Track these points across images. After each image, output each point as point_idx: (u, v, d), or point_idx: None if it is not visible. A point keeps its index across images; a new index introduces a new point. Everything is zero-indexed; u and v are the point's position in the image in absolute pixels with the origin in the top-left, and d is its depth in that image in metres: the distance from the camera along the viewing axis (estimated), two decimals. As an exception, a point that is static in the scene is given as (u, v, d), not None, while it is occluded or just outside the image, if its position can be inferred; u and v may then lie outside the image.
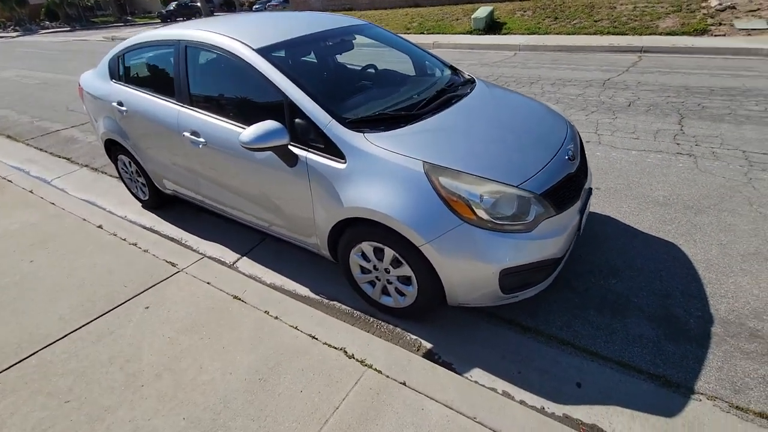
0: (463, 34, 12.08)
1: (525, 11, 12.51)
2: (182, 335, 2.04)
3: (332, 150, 2.03)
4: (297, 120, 2.12)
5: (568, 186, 2.04)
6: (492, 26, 11.97)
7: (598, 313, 2.21)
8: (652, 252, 2.63)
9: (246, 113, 2.38)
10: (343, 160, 2.00)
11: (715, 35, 9.10)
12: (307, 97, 2.09)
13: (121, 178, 3.70)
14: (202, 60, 2.59)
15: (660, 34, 9.65)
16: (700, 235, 2.75)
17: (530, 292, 2.02)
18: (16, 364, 1.94)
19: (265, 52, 2.26)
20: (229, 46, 2.31)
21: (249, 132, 1.98)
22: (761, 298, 2.23)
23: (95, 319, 2.18)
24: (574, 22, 11.19)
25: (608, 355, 1.98)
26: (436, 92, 2.46)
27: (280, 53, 2.35)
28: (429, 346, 2.12)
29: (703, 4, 10.44)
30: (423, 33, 12.72)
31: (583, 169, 2.28)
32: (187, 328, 2.09)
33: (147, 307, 2.24)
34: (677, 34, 9.43)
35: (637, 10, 10.86)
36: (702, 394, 1.79)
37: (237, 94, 2.52)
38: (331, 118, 2.05)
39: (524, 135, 2.23)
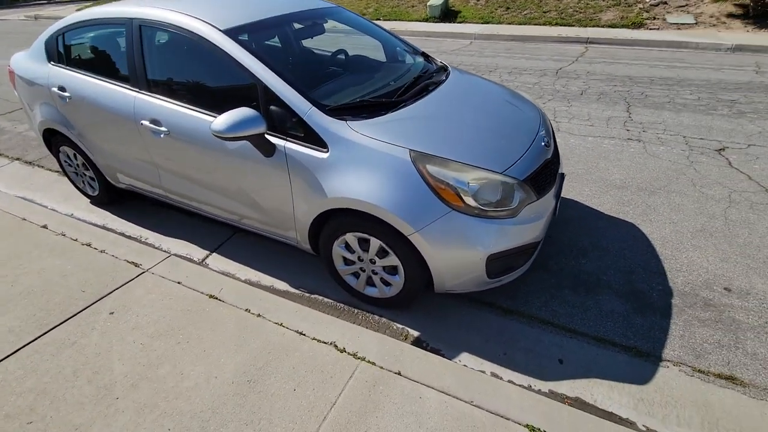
0: (419, 21, 12.09)
1: (478, 0, 12.73)
2: (156, 341, 1.90)
3: (313, 138, 1.95)
4: (273, 107, 2.01)
5: (545, 172, 2.11)
6: (447, 14, 12.07)
7: (573, 291, 2.34)
8: (615, 232, 2.81)
9: (214, 100, 2.22)
10: (325, 149, 1.93)
11: (650, 29, 9.79)
12: (284, 83, 1.98)
13: (64, 172, 3.34)
14: (160, 41, 2.36)
15: (602, 26, 10.22)
16: (655, 215, 2.97)
17: (513, 275, 2.08)
18: (-42, 386, 1.71)
19: (233, 33, 2.10)
20: (193, 26, 2.13)
21: (222, 120, 1.85)
22: (710, 270, 2.46)
23: (52, 329, 1.96)
24: (525, 12, 11.56)
25: (585, 331, 2.10)
26: (413, 79, 2.43)
27: (249, 35, 2.20)
28: (416, 334, 2.13)
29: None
30: (379, 19, 12.56)
31: (556, 155, 2.36)
32: (161, 332, 1.94)
33: (112, 313, 2.05)
34: (618, 27, 10.04)
35: (581, 3, 11.41)
36: (668, 360, 1.95)
37: (204, 80, 2.33)
38: (311, 105, 1.96)
39: (502, 122, 2.27)
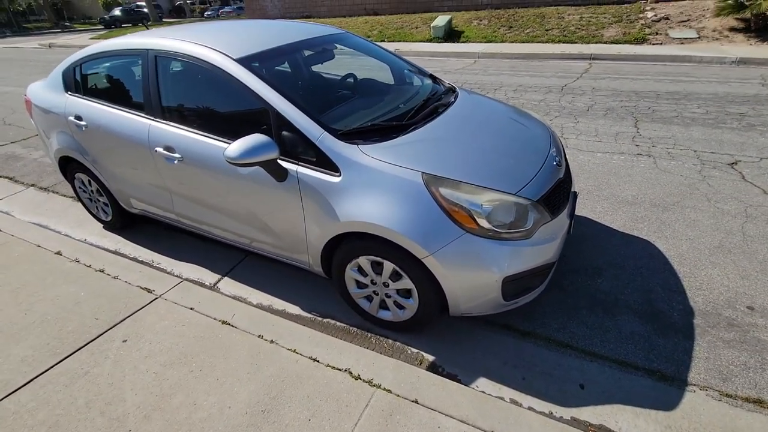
0: (423, 42, 12.33)
1: (481, 20, 12.98)
2: (169, 369, 1.88)
3: (325, 163, 1.96)
4: (285, 133, 2.03)
5: (559, 191, 2.10)
6: (451, 34, 12.31)
7: (590, 312, 2.28)
8: (630, 250, 2.76)
9: (227, 126, 2.26)
10: (337, 173, 1.94)
11: (653, 44, 9.88)
12: (296, 109, 2.01)
13: (78, 198, 3.39)
14: (174, 71, 2.42)
15: (605, 42, 10.34)
16: (670, 232, 2.92)
17: (529, 297, 2.04)
18: (-28, 418, 1.70)
19: (246, 62, 2.15)
20: (206, 56, 2.18)
21: (235, 146, 1.87)
22: (731, 288, 2.39)
23: (65, 358, 1.95)
24: (527, 30, 11.74)
25: (606, 354, 2.04)
26: (423, 101, 2.45)
27: (261, 63, 2.25)
28: (431, 358, 2.08)
29: (641, 15, 11.31)
30: (384, 41, 12.84)
31: (568, 174, 2.35)
32: (174, 360, 1.92)
33: (125, 341, 2.04)
34: (620, 43, 10.14)
35: (583, 20, 11.58)
36: (694, 385, 1.88)
37: (216, 107, 2.38)
38: (322, 130, 1.98)
39: (513, 142, 2.27)
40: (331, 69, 3.10)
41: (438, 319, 2.25)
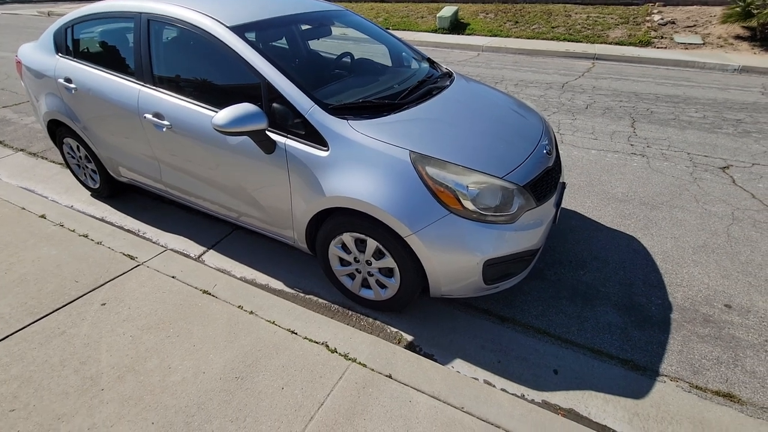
0: (428, 32, 12.21)
1: (487, 13, 12.86)
2: (146, 333, 1.88)
3: (314, 137, 1.95)
4: (275, 105, 2.01)
5: (546, 179, 2.10)
6: (456, 26, 12.19)
7: (571, 302, 2.30)
8: (615, 245, 2.78)
9: (217, 95, 2.23)
10: (325, 148, 1.93)
11: (658, 47, 9.85)
12: (288, 81, 1.99)
13: (66, 163, 3.35)
14: (167, 36, 2.38)
15: (610, 43, 10.29)
16: (656, 229, 2.94)
17: (510, 282, 2.05)
18: (-56, 370, 1.69)
19: (240, 30, 2.12)
20: (200, 22, 2.15)
21: (223, 114, 1.85)
22: (711, 286, 2.42)
23: (42, 318, 1.94)
24: (533, 27, 11.65)
25: (582, 342, 2.07)
26: (417, 83, 2.44)
27: (256, 33, 2.21)
28: (410, 338, 2.10)
29: (647, 18, 11.25)
30: (389, 29, 12.69)
31: (558, 164, 2.35)
32: (152, 325, 1.92)
33: (104, 304, 2.04)
34: (625, 44, 10.10)
35: (590, 20, 11.50)
36: (666, 375, 1.91)
37: (207, 75, 2.35)
38: (313, 103, 1.97)
39: (504, 128, 2.26)
40: (331, 50, 3.06)
41: (419, 301, 2.27)
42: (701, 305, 2.28)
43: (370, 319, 2.20)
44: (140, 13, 2.38)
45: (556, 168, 2.28)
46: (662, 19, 10.96)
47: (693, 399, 1.80)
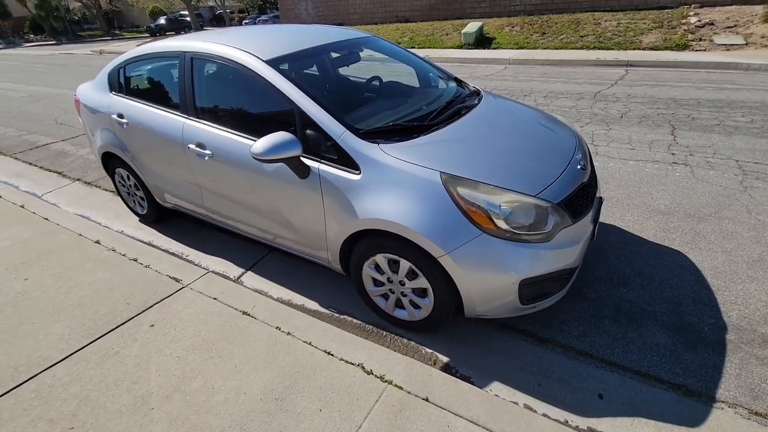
0: (454, 48, 12.32)
1: (513, 27, 12.84)
2: (191, 354, 1.96)
3: (346, 161, 2.01)
4: (309, 131, 2.10)
5: (582, 195, 2.05)
6: (481, 41, 12.24)
7: (614, 322, 2.21)
8: (660, 260, 2.65)
9: (255, 125, 2.35)
10: (357, 171, 1.98)
11: (696, 50, 9.45)
12: (320, 108, 2.08)
13: (117, 191, 3.60)
14: (208, 72, 2.55)
15: (644, 49, 9.98)
16: (705, 243, 2.78)
17: (548, 302, 2.00)
18: (13, 389, 1.83)
19: (275, 63, 2.24)
20: (238, 58, 2.29)
21: (261, 143, 1.95)
22: (770, 304, 2.25)
23: (98, 339, 2.08)
24: (561, 37, 11.51)
25: (627, 365, 1.97)
26: (446, 103, 2.47)
27: (289, 64, 2.33)
28: (446, 359, 2.07)
29: (683, 21, 10.86)
30: (414, 47, 12.92)
31: (593, 179, 2.29)
32: (196, 346, 2.01)
33: (152, 325, 2.15)
34: (660, 49, 9.77)
35: (620, 26, 11.24)
36: (723, 401, 1.78)
37: (245, 106, 2.49)
38: (344, 128, 2.04)
39: (536, 145, 2.24)
40: (360, 72, 3.16)
41: (454, 321, 2.24)
42: (760, 324, 2.13)
43: (405, 340, 2.20)
44: (185, 52, 2.57)
45: (592, 183, 2.23)
46: (699, 21, 10.54)
47: (753, 426, 1.66)
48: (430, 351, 2.12)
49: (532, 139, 2.30)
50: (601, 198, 2.35)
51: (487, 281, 1.83)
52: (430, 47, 12.80)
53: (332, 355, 1.92)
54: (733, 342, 2.05)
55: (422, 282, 1.98)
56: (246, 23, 37.86)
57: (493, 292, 1.86)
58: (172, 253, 3.04)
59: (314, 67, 2.94)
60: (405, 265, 1.99)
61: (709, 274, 2.50)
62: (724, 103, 5.72)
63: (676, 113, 5.40)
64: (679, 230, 2.94)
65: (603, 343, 2.09)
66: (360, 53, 2.91)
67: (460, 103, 2.53)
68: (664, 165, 3.93)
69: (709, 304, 2.28)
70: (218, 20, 45.10)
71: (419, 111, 2.40)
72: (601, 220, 3.12)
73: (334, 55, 2.92)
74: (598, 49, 10.41)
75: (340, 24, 18.27)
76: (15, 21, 35.34)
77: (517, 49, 11.40)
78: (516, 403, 1.81)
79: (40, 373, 1.89)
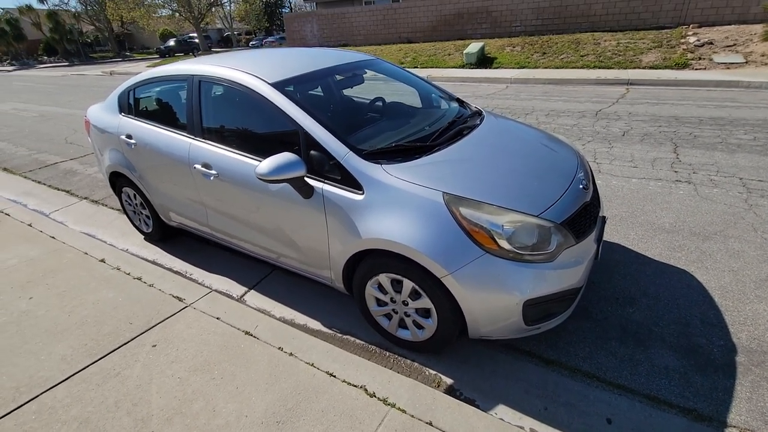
0: (456, 68, 12.54)
1: (514, 47, 13.08)
2: (193, 375, 1.95)
3: (349, 181, 2.03)
4: (313, 152, 2.13)
5: (585, 215, 2.05)
6: (483, 61, 12.46)
7: (620, 343, 2.17)
8: (666, 279, 2.62)
9: (260, 146, 2.39)
10: (360, 192, 2.00)
11: (696, 69, 9.56)
12: (324, 129, 2.11)
13: (124, 210, 3.65)
14: (215, 94, 2.61)
15: (644, 68, 10.11)
16: (711, 262, 2.75)
17: (553, 322, 1.98)
18: (14, 410, 1.82)
19: (280, 86, 2.29)
20: (245, 81, 2.35)
21: (266, 164, 1.98)
22: (781, 325, 2.21)
23: (99, 359, 2.07)
24: (562, 56, 11.70)
25: (636, 388, 1.93)
26: (448, 124, 2.50)
27: (294, 87, 2.38)
28: (449, 381, 2.04)
29: (682, 41, 11.02)
30: (416, 67, 13.17)
31: (596, 198, 2.30)
32: (198, 367, 1.99)
33: (154, 346, 2.14)
34: (660, 68, 9.89)
35: (620, 46, 11.42)
36: (735, 426, 1.73)
37: (251, 128, 2.54)
38: (348, 149, 2.06)
39: (538, 164, 2.25)
40: (364, 93, 3.22)
41: (458, 342, 2.22)
42: (771, 347, 2.09)
43: (408, 361, 2.17)
44: (193, 75, 2.64)
45: (595, 202, 2.23)
46: (698, 40, 10.70)
47: (771, 456, 1.61)
48: (434, 372, 2.09)
49: (534, 159, 2.32)
50: (604, 217, 2.35)
51: (491, 302, 1.82)
52: (432, 67, 13.03)
53: (335, 376, 1.90)
54: (744, 364, 2.00)
55: (425, 302, 1.97)
56: (253, 45, 38.87)
57: (497, 313, 1.84)
58: (176, 272, 3.05)
59: (319, 89, 3.01)
60: (408, 285, 1.98)
61: (716, 294, 2.47)
62: (726, 120, 5.75)
63: (678, 131, 5.43)
64: (684, 249, 2.92)
65: (610, 365, 2.05)
66: (363, 75, 2.97)
67: (462, 123, 2.57)
68: (668, 183, 3.93)
69: (717, 325, 2.25)
70: (226, 42, 46.34)
71: (422, 131, 2.43)
72: (605, 238, 3.10)
73: (339, 77, 2.99)
74: (599, 68, 10.55)
75: (344, 45, 18.70)
76: (29, 43, 36.48)
77: (518, 68, 11.59)
78: (522, 428, 1.77)
79: (41, 394, 1.88)
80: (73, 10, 38.41)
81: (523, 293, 1.80)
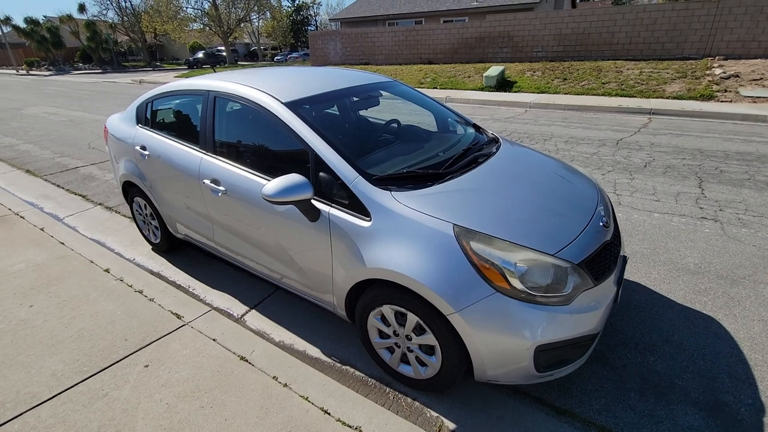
0: (475, 90, 12.55)
1: (534, 72, 13.06)
2: (182, 402, 1.86)
3: (357, 207, 1.96)
4: (322, 174, 2.07)
5: (604, 255, 1.93)
6: (503, 84, 12.45)
7: (640, 395, 2.00)
8: (690, 326, 2.45)
9: (270, 165, 2.35)
10: (368, 218, 1.92)
11: (722, 101, 9.33)
12: (334, 152, 2.06)
13: (134, 219, 3.65)
14: (229, 111, 2.60)
15: (667, 97, 9.93)
16: (740, 309, 2.57)
17: (566, 370, 1.83)
18: (-3, 427, 1.76)
19: (293, 106, 2.26)
20: (259, 99, 2.33)
21: (273, 185, 1.93)
22: (820, 386, 2.02)
23: (89, 377, 2.01)
24: (583, 83, 11.61)
25: (657, 449, 1.76)
26: (463, 151, 2.43)
27: (308, 107, 2.35)
28: (452, 426, 1.90)
29: (707, 72, 10.82)
30: (436, 88, 13.24)
31: (617, 236, 2.17)
32: (188, 393, 1.91)
33: (147, 366, 2.07)
34: (684, 99, 9.69)
35: (643, 75, 11.28)
36: (771, 505, 1.55)
37: (262, 146, 2.51)
38: (357, 174, 2.00)
39: (556, 198, 2.14)
40: (381, 113, 3.18)
41: (463, 381, 2.09)
42: (809, 411, 1.89)
43: (409, 399, 2.05)
44: (209, 91, 2.64)
45: (615, 241, 2.10)
46: (724, 72, 10.49)
47: None
48: (436, 415, 1.95)
49: (551, 191, 2.21)
50: (625, 257, 2.21)
51: (500, 344, 1.70)
52: (452, 88, 13.08)
53: (329, 414, 1.79)
54: (779, 430, 1.82)
55: (430, 339, 1.86)
56: (278, 59, 39.98)
57: (506, 357, 1.72)
58: (179, 286, 3.00)
59: (334, 108, 2.98)
60: (412, 319, 1.88)
61: (745, 346, 2.28)
62: (753, 156, 5.53)
63: (703, 165, 5.24)
64: (710, 293, 2.73)
65: (629, 421, 1.88)
66: (379, 98, 2.94)
67: (477, 150, 2.49)
68: (692, 219, 3.75)
69: (746, 381, 2.06)
70: (252, 56, 47.81)
71: (435, 157, 2.36)
72: (625, 276, 2.94)
73: (355, 99, 2.96)
74: (620, 96, 10.41)
75: (366, 64, 19.02)
76: (67, 51, 38.28)
77: (538, 93, 11.53)
78: (529, 486, 1.62)
79: (25, 412, 1.82)
80: (110, 20, 40.34)
81: (534, 337, 1.67)
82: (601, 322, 1.84)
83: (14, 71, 34.30)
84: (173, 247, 3.43)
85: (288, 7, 49.37)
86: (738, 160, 5.40)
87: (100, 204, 4.65)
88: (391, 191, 1.96)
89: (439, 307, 1.72)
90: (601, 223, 2.03)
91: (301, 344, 2.43)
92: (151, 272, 3.16)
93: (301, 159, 2.16)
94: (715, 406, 1.94)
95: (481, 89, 12.46)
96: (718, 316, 2.52)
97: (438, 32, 17.30)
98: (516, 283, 1.68)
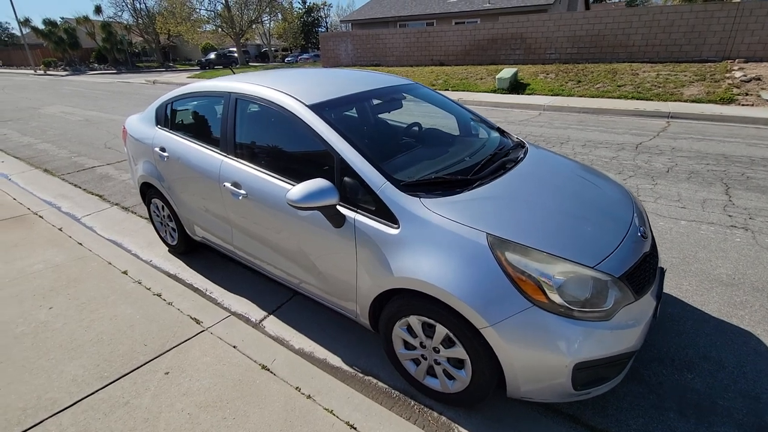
0: (487, 92, 12.43)
1: (548, 74, 12.90)
2: (203, 412, 1.81)
3: (384, 213, 1.89)
4: (347, 179, 2.01)
5: (644, 267, 1.84)
6: (516, 86, 12.31)
7: (680, 415, 1.91)
8: (728, 342, 2.34)
9: (293, 169, 2.30)
10: (396, 225, 1.86)
11: (743, 105, 9.10)
12: (361, 157, 2.00)
13: (151, 220, 3.63)
14: (251, 113, 2.56)
15: (685, 101, 9.72)
16: (780, 325, 2.45)
17: (603, 388, 1.75)
18: (17, 434, 1.73)
19: (317, 108, 2.20)
20: (283, 101, 2.28)
21: (297, 190, 1.87)
22: None
23: (110, 383, 1.97)
24: (598, 86, 11.42)
25: (701, 474, 1.66)
26: (489, 156, 2.35)
27: (332, 110, 2.30)
28: (481, 443, 1.83)
29: (727, 75, 10.58)
30: (447, 89, 13.14)
31: (654, 247, 2.08)
32: (210, 403, 1.85)
33: (167, 373, 2.03)
34: (703, 102, 9.47)
35: (660, 77, 11.06)
36: None
37: (284, 149, 2.46)
38: (385, 180, 1.94)
39: (591, 208, 2.06)
40: (396, 117, 3.12)
41: (493, 395, 2.01)
42: None
43: (435, 414, 1.97)
44: (230, 92, 2.60)
45: (654, 252, 2.01)
46: (745, 75, 10.25)
47: None
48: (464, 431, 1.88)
49: (586, 200, 2.12)
50: (663, 269, 2.12)
51: (536, 361, 1.62)
52: (464, 90, 12.98)
53: (356, 429, 1.72)
54: (832, 456, 1.71)
55: (460, 352, 1.78)
56: (288, 60, 40.17)
57: (542, 374, 1.64)
58: (196, 289, 2.96)
59: (354, 110, 2.92)
60: (441, 330, 1.81)
61: (789, 364, 2.17)
62: (781, 162, 5.35)
63: (728, 171, 5.08)
64: (747, 306, 2.62)
65: (668, 442, 1.79)
66: (402, 100, 2.87)
67: (504, 156, 2.41)
68: (722, 228, 3.62)
69: (794, 403, 1.95)
70: (263, 57, 48.13)
71: (462, 162, 2.29)
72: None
73: (378, 101, 2.90)
74: (637, 99, 10.22)
75: (377, 65, 18.99)
76: (83, 51, 38.88)
77: (551, 95, 11.37)
78: None
79: (46, 419, 1.78)
80: (125, 22, 40.93)
81: (573, 355, 1.59)
82: (641, 338, 1.75)
83: (32, 71, 34.96)
84: (190, 249, 3.40)
85: (299, 8, 49.67)
86: (764, 165, 5.23)
87: (116, 204, 4.65)
88: (420, 198, 1.89)
89: (471, 320, 1.65)
90: (639, 233, 1.94)
91: (321, 352, 2.37)
92: (169, 274, 3.13)
93: (324, 163, 2.10)
94: (761, 429, 1.83)
95: (494, 91, 12.34)
96: (757, 331, 2.41)
97: (450, 34, 17.20)
98: (554, 297, 1.60)
